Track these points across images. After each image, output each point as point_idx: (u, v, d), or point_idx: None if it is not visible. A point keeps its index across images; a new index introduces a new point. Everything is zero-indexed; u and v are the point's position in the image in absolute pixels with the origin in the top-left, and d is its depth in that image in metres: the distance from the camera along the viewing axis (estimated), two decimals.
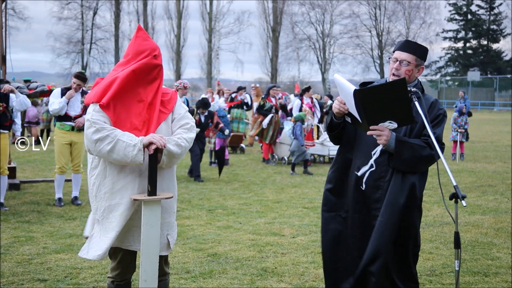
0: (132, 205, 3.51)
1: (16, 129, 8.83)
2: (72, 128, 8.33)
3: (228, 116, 15.79)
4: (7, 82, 9.63)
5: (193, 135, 3.67)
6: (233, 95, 17.84)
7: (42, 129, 17.98)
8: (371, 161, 3.62)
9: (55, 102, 8.20)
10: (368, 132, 3.49)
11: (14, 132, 9.19)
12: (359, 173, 3.65)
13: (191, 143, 3.66)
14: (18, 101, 8.07)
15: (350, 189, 3.71)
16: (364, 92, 3.36)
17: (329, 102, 17.24)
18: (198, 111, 11.45)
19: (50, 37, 55.45)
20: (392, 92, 3.37)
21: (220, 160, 11.60)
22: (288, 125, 14.00)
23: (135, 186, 3.53)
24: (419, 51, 3.65)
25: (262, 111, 14.07)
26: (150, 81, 3.58)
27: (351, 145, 3.76)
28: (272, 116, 13.95)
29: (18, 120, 8.46)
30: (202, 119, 11.51)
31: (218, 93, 19.21)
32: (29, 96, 9.37)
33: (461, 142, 15.23)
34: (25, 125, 17.14)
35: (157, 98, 3.59)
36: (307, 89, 15.37)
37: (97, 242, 3.55)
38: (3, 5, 9.95)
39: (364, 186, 3.63)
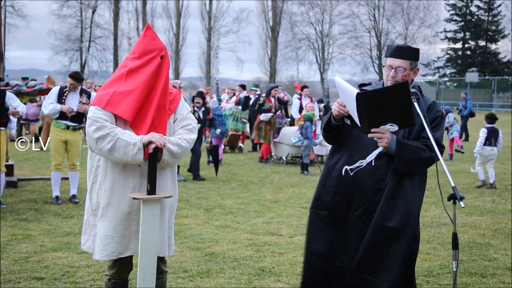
0: (133, 204, 3.50)
1: (11, 127, 8.81)
2: (68, 127, 8.34)
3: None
4: (1, 79, 9.62)
5: (194, 136, 3.65)
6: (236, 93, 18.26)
7: (41, 126, 17.96)
8: (369, 158, 3.59)
9: (48, 107, 8.25)
10: (369, 135, 3.48)
11: (10, 130, 9.16)
12: (350, 167, 3.62)
13: (192, 144, 3.64)
14: (22, 107, 8.20)
15: (344, 188, 3.68)
16: (366, 95, 3.37)
17: (321, 105, 17.18)
18: (196, 107, 11.38)
19: (51, 34, 55.19)
20: (395, 95, 3.38)
21: (214, 159, 11.65)
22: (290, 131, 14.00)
23: (136, 185, 3.52)
24: (411, 55, 3.64)
25: (261, 110, 14.04)
26: (162, 83, 3.56)
27: (346, 146, 3.74)
28: (272, 116, 13.93)
29: (13, 118, 8.45)
30: (201, 115, 11.44)
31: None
32: (27, 94, 9.38)
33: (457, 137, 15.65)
34: (22, 122, 17.11)
35: (166, 100, 3.59)
36: (302, 88, 15.38)
37: (102, 241, 3.55)
38: (1, 2, 9.93)
39: (350, 173, 3.60)
